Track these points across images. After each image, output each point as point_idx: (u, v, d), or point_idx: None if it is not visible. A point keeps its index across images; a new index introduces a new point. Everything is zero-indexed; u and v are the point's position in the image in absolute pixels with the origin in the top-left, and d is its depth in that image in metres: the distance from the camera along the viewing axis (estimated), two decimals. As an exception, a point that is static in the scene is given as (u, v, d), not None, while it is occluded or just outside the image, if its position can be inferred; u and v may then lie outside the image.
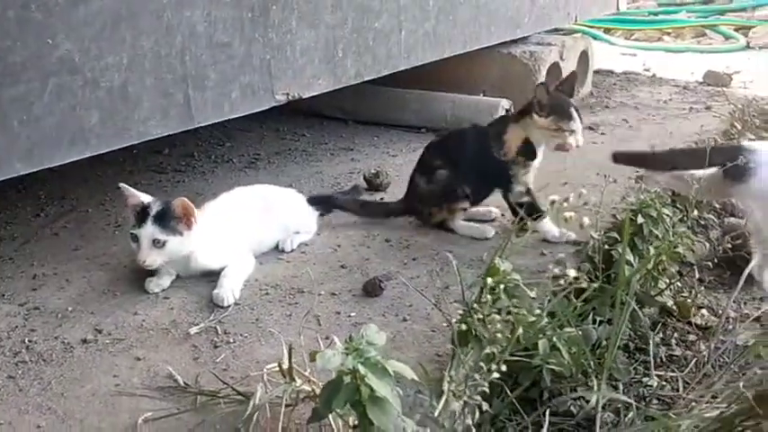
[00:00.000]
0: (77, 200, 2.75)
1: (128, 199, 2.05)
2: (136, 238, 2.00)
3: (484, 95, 3.77)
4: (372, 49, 2.91)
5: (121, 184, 2.05)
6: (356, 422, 1.26)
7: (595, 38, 6.50)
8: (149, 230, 1.98)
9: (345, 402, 1.15)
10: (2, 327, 1.89)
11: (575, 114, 2.40)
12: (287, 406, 1.47)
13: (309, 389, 1.43)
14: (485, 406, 1.29)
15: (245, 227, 2.22)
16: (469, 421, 1.23)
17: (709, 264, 2.35)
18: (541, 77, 3.86)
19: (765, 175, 2.24)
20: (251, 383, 1.57)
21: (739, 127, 3.65)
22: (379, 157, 3.35)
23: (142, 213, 2.00)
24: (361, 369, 1.13)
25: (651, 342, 1.85)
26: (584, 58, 4.28)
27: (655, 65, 5.38)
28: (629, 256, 1.90)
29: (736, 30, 6.48)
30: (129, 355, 1.77)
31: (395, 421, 1.17)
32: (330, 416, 1.33)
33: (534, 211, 2.34)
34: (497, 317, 1.47)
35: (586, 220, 1.63)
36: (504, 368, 1.35)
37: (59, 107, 1.84)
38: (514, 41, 3.94)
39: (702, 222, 2.88)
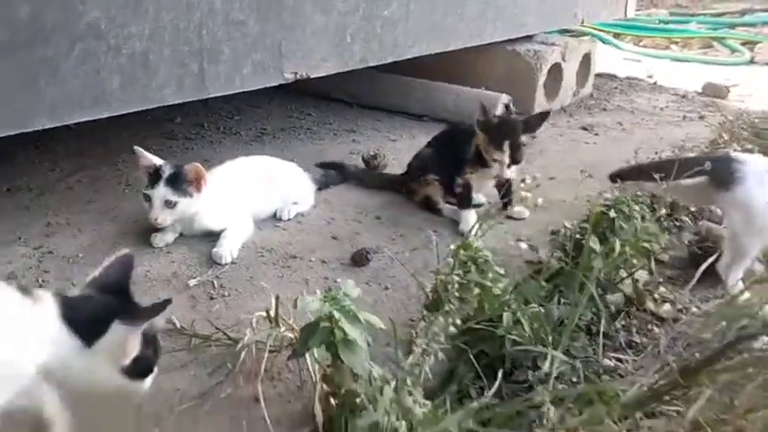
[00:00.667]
0: (92, 158, 2.92)
1: (141, 160, 2.21)
2: (148, 198, 2.17)
3: (486, 90, 3.91)
4: (380, 36, 3.06)
5: (136, 147, 2.21)
6: (329, 364, 1.43)
7: (604, 42, 6.65)
8: (162, 192, 2.15)
9: (320, 343, 1.32)
10: (18, 266, 2.07)
11: (505, 147, 2.44)
12: (271, 351, 1.64)
13: (292, 336, 1.60)
14: (441, 355, 1.45)
15: (246, 193, 2.38)
16: (427, 368, 1.40)
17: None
18: (543, 76, 4.01)
19: (749, 186, 2.40)
20: (241, 330, 1.74)
21: (726, 138, 3.79)
22: (379, 140, 3.51)
23: (155, 175, 2.17)
24: (336, 314, 1.31)
25: (602, 322, 2.00)
26: (586, 60, 4.42)
27: (658, 72, 5.52)
28: (596, 246, 2.05)
29: (742, 44, 6.60)
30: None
31: (363, 362, 1.34)
32: (307, 357, 1.51)
33: (507, 199, 2.53)
34: (458, 281, 1.62)
35: (540, 201, 1.78)
36: (458, 322, 1.51)
37: (84, 70, 2.01)
38: (520, 39, 4.08)
39: (677, 224, 3.05)
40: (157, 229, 2.26)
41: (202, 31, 2.31)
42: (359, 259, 2.24)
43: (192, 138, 3.33)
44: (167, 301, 1.30)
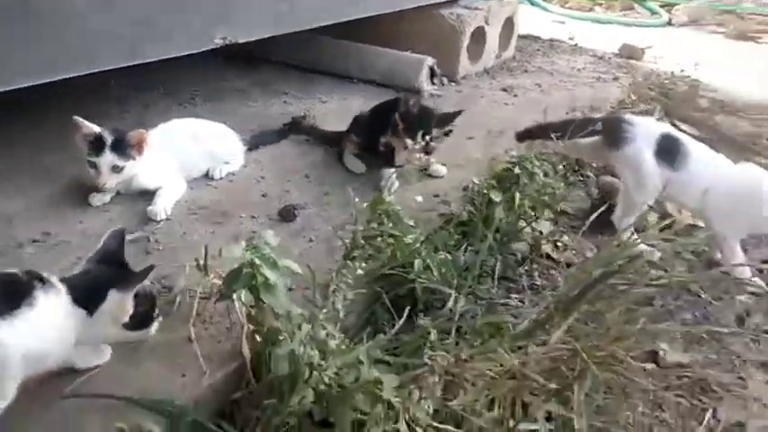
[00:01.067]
0: (27, 121, 3.00)
1: (82, 129, 2.33)
2: (94, 165, 2.30)
3: (412, 53, 4.08)
4: (307, 1, 3.20)
5: (75, 117, 2.34)
6: (253, 305, 1.63)
7: (532, 3, 6.88)
8: (109, 158, 2.31)
9: (243, 286, 1.52)
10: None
11: (418, 138, 2.66)
12: (202, 297, 1.83)
13: (220, 283, 1.78)
14: (350, 294, 1.66)
15: (179, 154, 2.53)
16: (339, 305, 1.61)
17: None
18: (467, 39, 4.21)
19: (638, 146, 2.68)
20: (174, 280, 1.92)
21: (634, 98, 4.09)
22: (310, 101, 3.67)
23: (98, 142, 2.31)
24: (257, 261, 1.50)
25: (497, 266, 2.23)
26: (509, 23, 4.63)
27: (580, 34, 5.79)
28: (497, 198, 2.29)
29: (662, 6, 6.92)
30: (72, 254, 2.09)
31: (282, 303, 1.55)
32: (235, 301, 1.71)
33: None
34: (371, 232, 1.83)
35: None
36: (365, 265, 1.72)
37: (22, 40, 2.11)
38: (445, 3, 4.25)
39: (583, 179, 3.33)
40: (96, 189, 2.40)
41: (137, -1, 2.42)
42: (286, 215, 2.43)
43: (126, 101, 3.43)
44: (151, 267, 1.59)
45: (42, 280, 1.49)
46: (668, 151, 2.64)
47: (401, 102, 2.70)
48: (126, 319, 1.58)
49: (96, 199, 2.39)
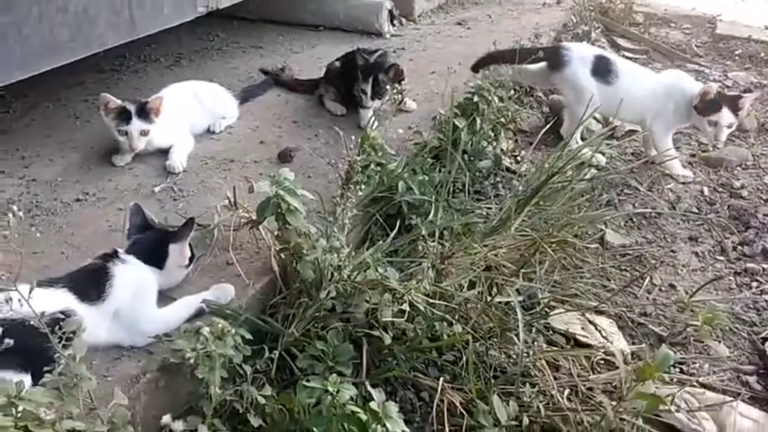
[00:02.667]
0: (38, 97, 3.33)
1: (108, 104, 2.68)
2: (125, 133, 2.67)
3: (371, -3, 4.43)
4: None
5: (104, 94, 2.68)
6: (278, 232, 2.06)
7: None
8: (137, 125, 2.68)
9: (272, 212, 1.94)
10: (12, 192, 2.56)
11: (369, 81, 3.04)
12: (234, 229, 2.25)
13: (248, 215, 2.21)
14: (354, 210, 2.10)
15: (184, 114, 2.90)
16: (347, 221, 2.05)
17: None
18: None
19: (574, 68, 3.15)
20: (205, 219, 2.33)
21: (576, 20, 4.50)
22: (284, 53, 4.03)
23: (124, 113, 2.67)
24: (281, 192, 1.93)
25: (467, 181, 2.66)
26: (457, -40, 4.97)
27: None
28: (460, 124, 2.71)
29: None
30: (113, 207, 2.49)
31: (304, 223, 1.98)
32: (261, 229, 2.14)
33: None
34: (362, 163, 2.25)
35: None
36: (359, 192, 2.14)
37: (41, 28, 2.45)
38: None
39: (536, 101, 3.77)
40: (116, 151, 2.78)
41: (128, -19, 2.75)
42: (284, 157, 2.83)
43: (118, 69, 3.76)
44: (192, 219, 2.04)
45: (117, 258, 1.91)
46: (602, 70, 3.12)
47: (358, 55, 3.10)
48: (186, 261, 2.03)
49: (119, 159, 2.76)
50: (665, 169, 3.22)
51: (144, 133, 2.69)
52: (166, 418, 1.36)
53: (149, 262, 1.96)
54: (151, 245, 2.00)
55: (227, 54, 4.01)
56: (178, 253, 2.00)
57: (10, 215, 1.40)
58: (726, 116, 3.12)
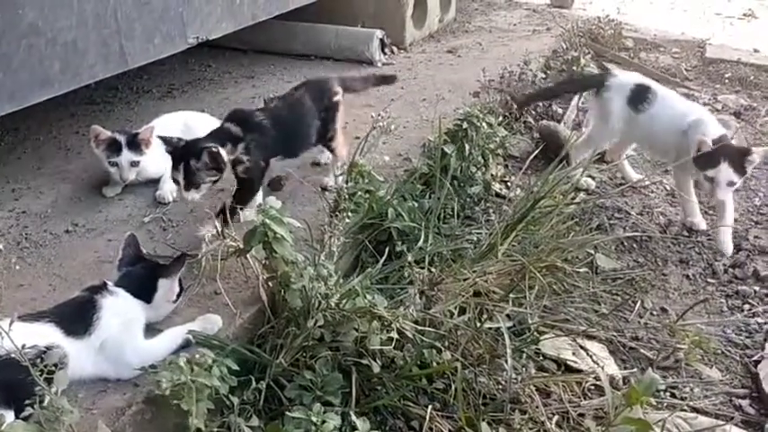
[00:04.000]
0: (29, 129, 3.35)
1: (99, 136, 2.69)
2: (116, 164, 2.68)
3: (362, 27, 4.48)
4: (260, -5, 3.59)
5: (94, 126, 2.70)
6: (265, 260, 2.05)
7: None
8: (128, 156, 2.69)
9: (259, 241, 1.94)
10: (2, 225, 2.56)
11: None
12: (222, 259, 2.25)
13: (235, 244, 2.21)
14: (342, 238, 2.10)
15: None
16: (335, 248, 2.05)
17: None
18: (410, 8, 4.61)
19: (610, 94, 3.16)
20: (193, 248, 2.33)
21: (566, 46, 4.54)
22: (275, 83, 4.05)
23: (114, 145, 2.68)
24: (267, 221, 1.93)
25: (456, 207, 2.67)
26: (448, -12, 5.03)
27: (514, -11, 6.20)
28: (449, 150, 2.73)
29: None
30: (102, 238, 2.49)
31: (290, 252, 1.98)
32: (249, 258, 2.13)
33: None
34: (350, 190, 2.26)
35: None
36: (349, 217, 2.15)
37: (30, 61, 2.47)
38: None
39: (526, 126, 3.79)
40: (106, 183, 2.78)
41: (117, 14, 2.77)
42: (274, 185, 2.84)
43: (111, 101, 3.78)
44: (184, 256, 2.04)
45: (106, 290, 1.90)
46: (639, 98, 3.12)
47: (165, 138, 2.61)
48: (175, 297, 2.02)
49: (109, 191, 2.77)
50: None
51: (134, 164, 2.69)
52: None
53: (138, 295, 1.95)
54: (140, 278, 1.99)
55: (219, 84, 4.04)
56: (167, 288, 1.99)
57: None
58: (724, 173, 2.75)
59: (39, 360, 1.43)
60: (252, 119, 2.50)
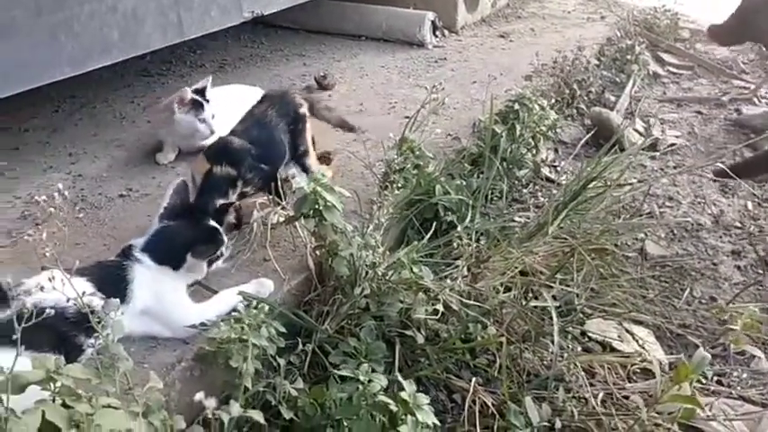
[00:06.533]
0: (86, 98, 3.43)
1: (185, 99, 2.68)
2: (204, 120, 2.71)
3: (414, 8, 4.46)
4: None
5: (184, 88, 2.70)
6: (314, 229, 2.07)
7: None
8: (209, 110, 2.72)
9: (309, 208, 1.96)
10: (60, 186, 2.62)
11: None
12: (272, 228, 2.27)
13: (285, 213, 2.23)
14: (391, 208, 2.10)
15: (229, 115, 2.94)
16: (383, 219, 2.06)
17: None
18: (463, -7, 4.58)
19: None
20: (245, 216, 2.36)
21: (620, 34, 4.47)
22: (326, 61, 4.07)
23: (198, 103, 2.70)
24: (318, 188, 1.94)
25: (505, 188, 2.65)
26: (501, -27, 4.99)
27: (569, -23, 6.11)
28: (499, 129, 2.71)
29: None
30: (155, 203, 2.50)
31: (340, 220, 1.99)
32: (298, 226, 2.16)
33: None
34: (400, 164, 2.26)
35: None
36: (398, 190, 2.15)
37: (91, 27, 2.53)
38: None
39: (578, 111, 3.74)
40: (160, 150, 2.83)
41: (177, -16, 2.83)
42: (323, 160, 2.84)
43: (164, 73, 3.84)
44: (219, 238, 1.98)
45: (133, 256, 1.86)
46: None
47: None
48: (202, 276, 1.97)
49: (162, 158, 2.82)
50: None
51: (213, 116, 2.74)
52: (200, 395, 1.37)
53: (164, 262, 1.88)
54: (170, 247, 1.91)
55: (270, 61, 4.07)
56: (195, 265, 1.93)
57: (56, 194, 1.44)
58: None
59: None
60: (236, 150, 2.28)
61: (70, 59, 2.50)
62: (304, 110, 2.52)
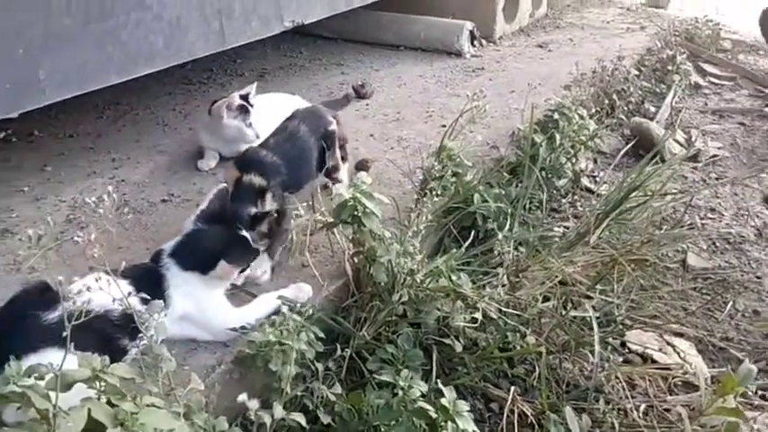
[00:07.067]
0: (129, 105, 3.50)
1: (233, 104, 2.77)
2: (251, 124, 2.79)
3: (453, 18, 4.48)
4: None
5: (233, 93, 2.79)
6: (352, 236, 2.08)
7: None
8: (254, 115, 2.81)
9: (349, 214, 1.97)
10: (102, 191, 2.64)
11: None
12: (310, 234, 2.29)
13: (323, 219, 2.24)
14: (430, 215, 2.10)
15: (272, 121, 2.96)
16: (422, 227, 2.06)
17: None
18: (502, 2, 4.58)
19: None
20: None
21: (660, 45, 4.42)
22: (364, 70, 4.10)
23: (244, 108, 2.79)
24: (358, 195, 1.95)
25: (544, 197, 2.63)
26: (539, -17, 4.98)
27: (607, -13, 6.08)
28: (538, 138, 2.70)
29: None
30: (196, 208, 2.56)
31: (378, 226, 2.00)
32: (336, 233, 2.17)
33: None
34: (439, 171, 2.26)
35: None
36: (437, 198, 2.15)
37: (137, 35, 2.57)
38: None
39: (617, 121, 3.71)
40: (201, 157, 2.88)
41: (220, -7, 2.87)
42: (361, 167, 2.87)
43: (205, 82, 3.90)
44: (255, 254, 1.96)
45: (161, 260, 1.86)
46: None
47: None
48: (231, 282, 1.94)
49: (203, 164, 2.86)
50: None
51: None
52: (243, 396, 1.39)
53: (191, 268, 1.85)
54: (200, 253, 1.89)
55: (309, 70, 4.11)
56: (227, 272, 1.88)
57: (105, 196, 1.47)
58: None
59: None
60: (265, 161, 2.25)
61: (117, 67, 2.55)
62: (333, 126, 2.56)
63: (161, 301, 1.57)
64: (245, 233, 1.97)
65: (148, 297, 1.66)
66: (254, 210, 2.09)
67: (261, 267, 2.12)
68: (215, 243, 1.91)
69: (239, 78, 3.98)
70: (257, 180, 2.16)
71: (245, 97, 2.81)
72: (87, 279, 1.54)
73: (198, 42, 2.84)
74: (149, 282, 1.80)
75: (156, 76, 3.34)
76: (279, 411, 1.49)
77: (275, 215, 2.14)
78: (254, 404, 1.38)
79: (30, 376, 1.29)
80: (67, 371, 1.29)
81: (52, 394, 1.25)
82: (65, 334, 1.24)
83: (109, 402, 1.32)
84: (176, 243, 1.92)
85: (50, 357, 1.37)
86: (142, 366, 1.44)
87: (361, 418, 1.77)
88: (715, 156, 3.45)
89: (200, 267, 1.85)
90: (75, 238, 1.46)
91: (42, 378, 1.30)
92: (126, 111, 3.46)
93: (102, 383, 1.34)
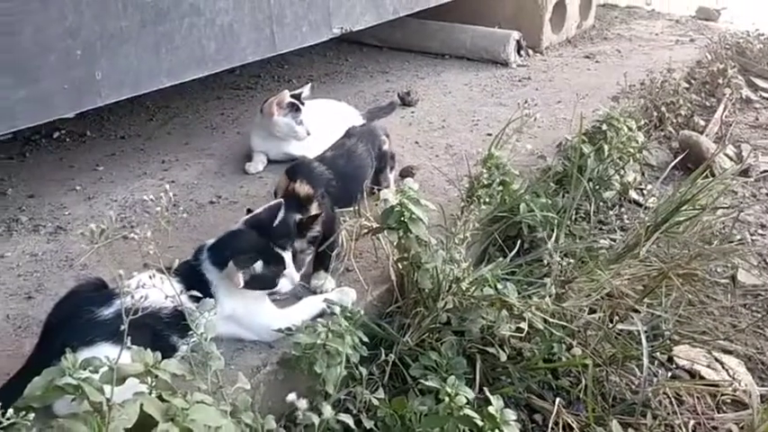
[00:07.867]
0: (178, 108, 3.56)
1: (283, 102, 2.82)
2: (302, 122, 2.85)
3: (499, 28, 4.47)
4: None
5: (285, 91, 2.84)
6: (397, 242, 2.08)
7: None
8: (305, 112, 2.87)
9: (395, 220, 1.97)
10: (152, 192, 2.71)
11: None
12: (355, 239, 2.30)
13: (369, 224, 2.25)
14: (476, 224, 2.10)
15: (321, 126, 2.98)
16: (468, 234, 2.05)
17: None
18: (549, 12, 4.56)
19: None
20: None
21: (710, 57, 4.35)
22: (409, 78, 4.11)
23: (295, 106, 2.85)
24: (405, 201, 1.96)
25: (591, 209, 2.61)
26: (588, -5, 4.94)
27: (656, 0, 6.00)
28: (586, 149, 2.67)
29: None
30: (243, 211, 2.59)
31: (425, 232, 2.00)
32: (381, 238, 2.17)
33: None
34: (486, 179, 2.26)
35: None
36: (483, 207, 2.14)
37: (190, 39, 2.62)
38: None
39: (665, 134, 3.66)
40: (249, 160, 2.91)
41: (271, 0, 2.91)
42: (406, 174, 2.87)
43: (253, 87, 3.96)
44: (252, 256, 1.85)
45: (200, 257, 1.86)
46: None
47: None
48: (239, 285, 1.81)
49: (251, 167, 2.90)
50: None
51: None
52: (292, 396, 1.40)
53: (218, 263, 1.84)
54: (222, 246, 1.88)
55: (354, 78, 4.14)
56: (229, 272, 1.81)
57: (162, 194, 1.50)
58: None
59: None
60: (315, 171, 2.26)
61: (169, 70, 2.60)
62: (386, 146, 2.61)
63: (212, 299, 1.59)
64: (278, 251, 1.93)
65: (200, 295, 1.69)
66: (298, 216, 2.09)
67: (321, 281, 2.13)
68: (235, 244, 1.89)
69: (286, 84, 4.02)
70: (304, 188, 2.16)
71: (296, 96, 2.86)
72: (143, 275, 1.57)
73: (249, 48, 2.89)
74: (199, 280, 1.82)
75: (205, 81, 3.41)
76: (328, 411, 1.50)
77: (324, 220, 2.13)
78: (302, 404, 1.38)
79: (84, 369, 1.32)
80: (121, 365, 1.32)
81: (106, 387, 1.28)
82: (122, 328, 1.26)
83: (160, 397, 1.35)
84: (214, 240, 1.92)
85: (104, 352, 1.40)
86: (191, 363, 1.46)
87: (403, 425, 1.77)
88: (766, 171, 3.38)
89: (219, 264, 1.83)
90: (132, 235, 1.49)
91: (96, 371, 1.33)
92: (175, 114, 3.52)
93: (154, 379, 1.36)
